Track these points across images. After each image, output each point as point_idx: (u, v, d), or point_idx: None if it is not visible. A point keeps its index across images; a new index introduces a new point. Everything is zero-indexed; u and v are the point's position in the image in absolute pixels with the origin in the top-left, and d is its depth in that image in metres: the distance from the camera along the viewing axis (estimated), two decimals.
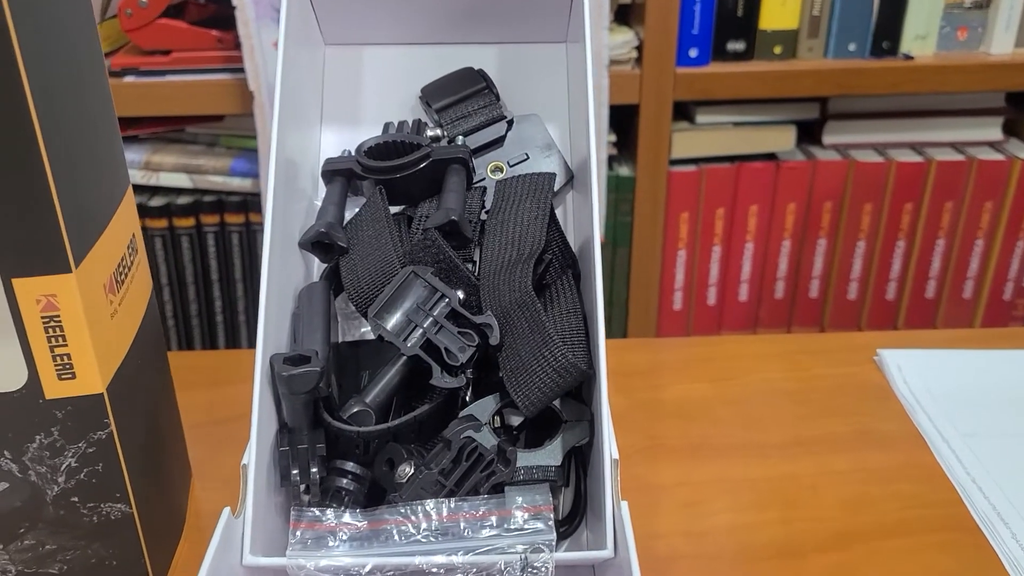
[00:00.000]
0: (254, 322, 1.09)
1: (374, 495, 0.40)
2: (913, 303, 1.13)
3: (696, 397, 0.55)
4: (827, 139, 1.09)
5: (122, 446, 0.37)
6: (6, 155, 0.31)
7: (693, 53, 0.99)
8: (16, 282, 0.33)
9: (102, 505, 0.38)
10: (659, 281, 1.11)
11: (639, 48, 0.98)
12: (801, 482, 0.48)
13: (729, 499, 0.47)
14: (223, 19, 0.97)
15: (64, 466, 0.37)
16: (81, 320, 0.34)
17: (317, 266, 0.47)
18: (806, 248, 1.11)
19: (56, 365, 0.35)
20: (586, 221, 0.45)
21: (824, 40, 1.01)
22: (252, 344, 1.10)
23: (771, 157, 1.08)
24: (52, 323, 0.34)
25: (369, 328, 0.46)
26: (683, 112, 1.06)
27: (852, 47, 1.01)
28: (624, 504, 0.35)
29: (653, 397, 0.55)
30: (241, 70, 0.96)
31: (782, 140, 1.07)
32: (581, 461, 0.42)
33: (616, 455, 0.36)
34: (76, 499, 0.38)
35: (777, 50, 1.01)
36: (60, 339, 0.34)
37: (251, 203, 1.03)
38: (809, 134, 1.10)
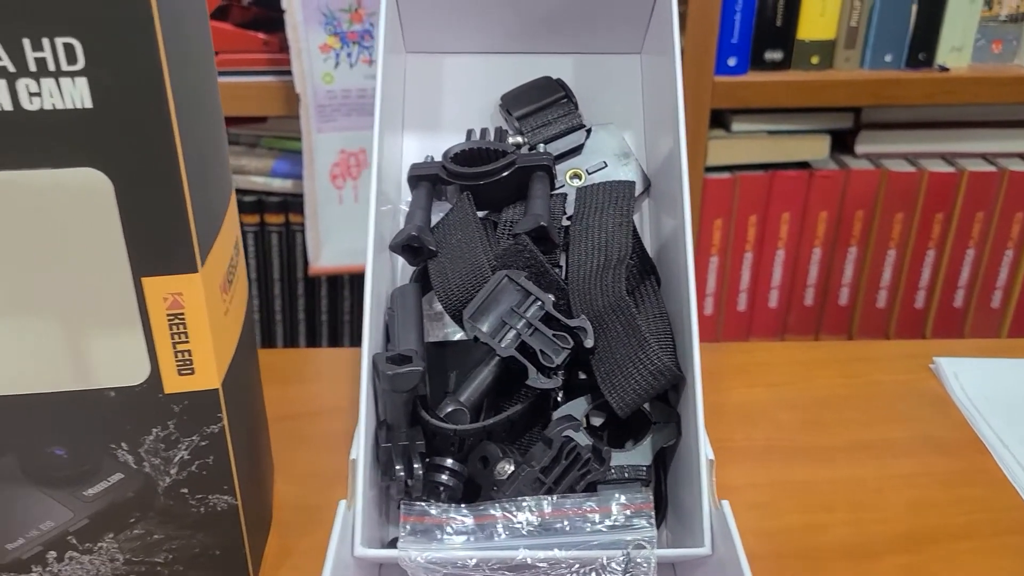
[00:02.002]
0: (290, 321, 1.11)
1: (467, 491, 0.41)
2: (941, 312, 1.15)
3: (757, 401, 0.57)
4: (860, 148, 1.10)
5: (232, 440, 0.39)
6: (149, 163, 0.32)
7: (732, 62, 1.01)
8: (146, 281, 0.34)
9: (210, 497, 0.39)
10: None
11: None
12: (866, 485, 0.50)
13: (797, 500, 0.48)
14: (268, 21, 0.98)
15: (177, 458, 0.38)
16: (203, 318, 0.36)
17: (400, 267, 0.49)
18: (837, 256, 1.13)
19: (177, 361, 0.36)
20: (669, 226, 0.46)
21: (861, 51, 1.03)
22: (289, 343, 1.11)
23: (804, 165, 1.09)
24: (176, 320, 0.35)
25: (451, 329, 0.47)
26: (719, 120, 1.08)
27: (888, 58, 1.03)
28: (725, 503, 0.36)
29: (716, 401, 0.56)
30: (285, 72, 0.97)
31: (816, 149, 1.08)
32: (660, 462, 0.44)
33: (711, 455, 0.38)
34: (186, 490, 0.39)
35: (814, 60, 1.02)
36: (183, 336, 0.36)
37: (291, 203, 1.04)
38: (842, 143, 1.11)
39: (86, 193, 0.33)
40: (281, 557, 0.45)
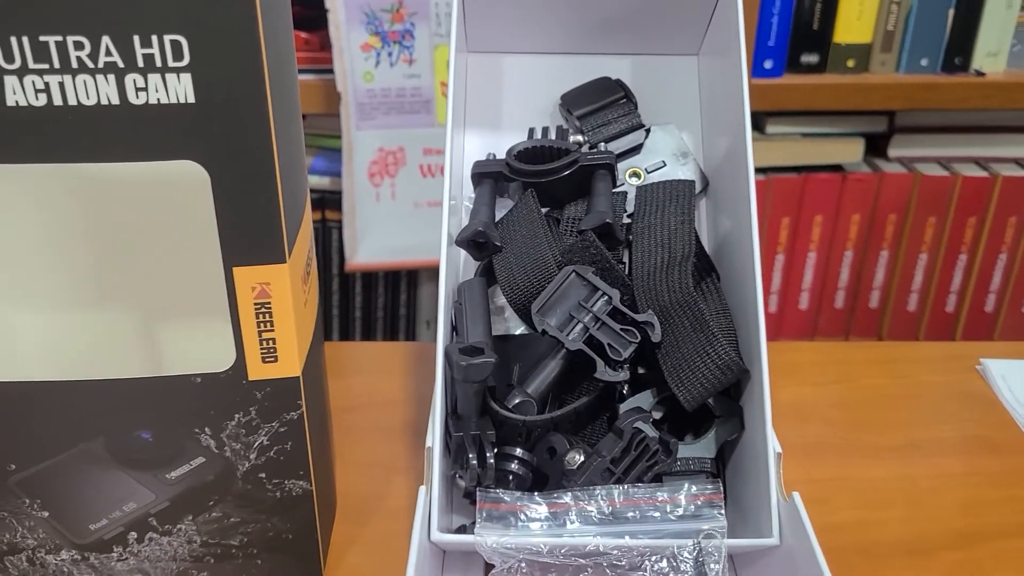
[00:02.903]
0: (324, 316, 1.12)
1: (534, 480, 0.42)
2: (972, 315, 1.15)
3: (806, 399, 0.57)
4: (893, 152, 1.10)
5: (308, 427, 0.40)
6: (246, 156, 0.33)
7: (768, 64, 1.01)
8: (236, 271, 0.36)
9: (286, 482, 0.40)
10: None
11: None
12: (918, 483, 0.50)
13: (851, 497, 0.49)
14: (308, 20, 0.99)
15: (256, 443, 0.39)
16: (289, 307, 0.37)
17: (463, 261, 0.50)
18: (868, 259, 1.13)
19: (261, 349, 0.37)
20: (727, 225, 0.47)
21: (897, 55, 1.03)
22: (328, 337, 1.13)
23: (837, 168, 1.10)
24: (263, 309, 0.37)
25: (512, 323, 0.48)
26: (754, 122, 1.08)
27: (924, 62, 1.03)
28: (796, 495, 0.37)
29: None
30: (325, 71, 0.98)
31: (850, 152, 1.09)
32: (718, 455, 0.45)
33: (779, 448, 0.38)
34: (263, 475, 0.40)
35: (850, 63, 1.03)
36: (268, 324, 0.37)
37: (328, 200, 1.06)
38: (875, 146, 1.12)
39: (184, 185, 0.34)
40: (346, 543, 0.46)
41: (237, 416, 0.39)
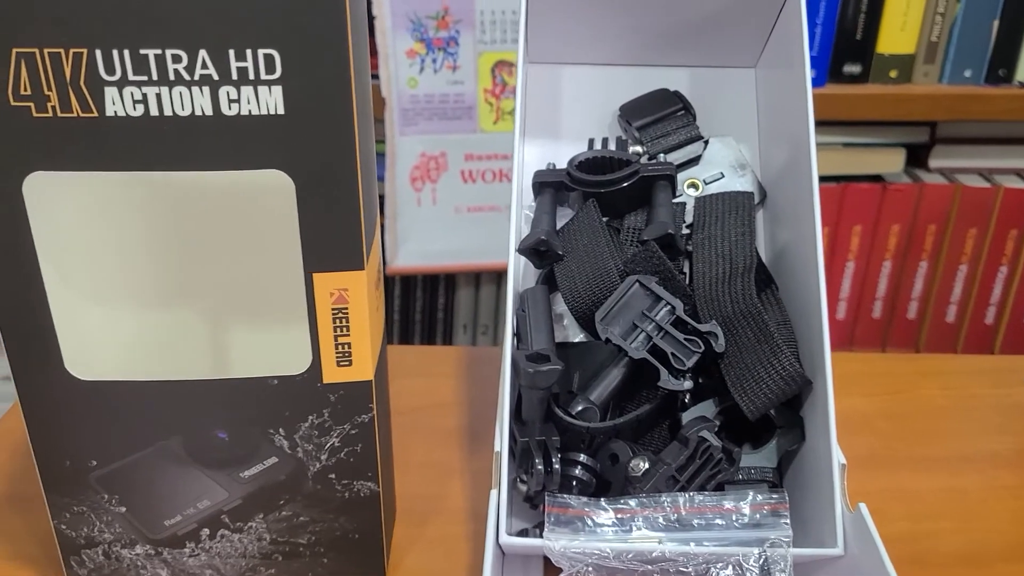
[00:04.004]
0: None
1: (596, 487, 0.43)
2: (1012, 328, 1.14)
3: (855, 410, 0.58)
4: (934, 163, 1.10)
5: (378, 429, 0.41)
6: (331, 165, 0.34)
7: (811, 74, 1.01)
8: (316, 277, 0.37)
9: (354, 483, 0.41)
10: None
11: None
12: (971, 495, 0.50)
13: (904, 508, 0.49)
14: None
15: (328, 445, 0.40)
16: (364, 312, 0.38)
17: (523, 269, 0.50)
18: (907, 270, 1.13)
19: (337, 353, 0.38)
20: (785, 236, 0.47)
21: (940, 65, 1.03)
22: None
23: (877, 178, 1.09)
24: (340, 314, 0.38)
25: (571, 331, 0.49)
26: None
27: (967, 73, 1.03)
28: (863, 506, 0.37)
29: None
30: (371, 76, 1.00)
31: (891, 163, 1.09)
32: (776, 466, 0.45)
33: (843, 459, 0.39)
34: (333, 476, 0.41)
35: (893, 74, 1.03)
36: (344, 329, 0.38)
37: None
38: (915, 157, 1.11)
39: (269, 194, 0.35)
40: (407, 544, 0.47)
41: (311, 418, 0.40)
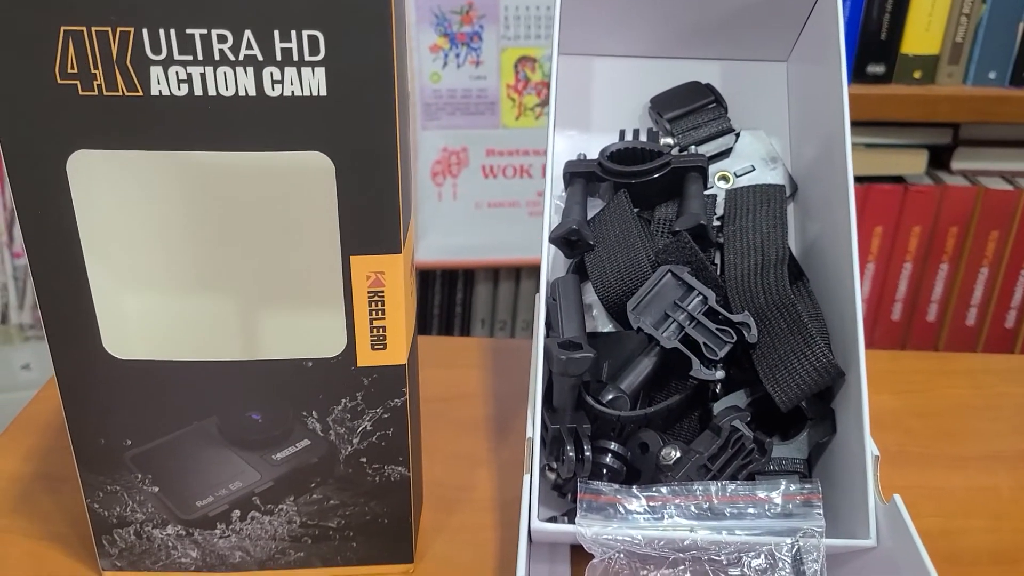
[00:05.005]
0: None
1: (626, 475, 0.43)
2: None
3: (885, 408, 0.57)
4: (956, 165, 1.09)
5: (410, 414, 0.41)
6: (371, 148, 0.35)
7: None
8: (354, 259, 0.37)
9: (386, 467, 0.42)
10: None
11: None
12: (1001, 494, 0.50)
13: (934, 505, 0.49)
14: None
15: (360, 428, 0.40)
16: (400, 296, 0.38)
17: (552, 258, 0.50)
18: (927, 272, 1.12)
19: (372, 336, 0.38)
20: (815, 230, 0.47)
21: (964, 67, 1.02)
22: None
23: (899, 179, 1.09)
24: (376, 298, 0.38)
25: (600, 321, 0.49)
26: None
27: (992, 75, 1.02)
28: (897, 497, 0.37)
29: None
30: None
31: (913, 164, 1.08)
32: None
33: (876, 451, 0.39)
34: (364, 459, 0.41)
35: (916, 75, 1.02)
36: (380, 313, 0.38)
37: None
38: (937, 159, 1.11)
39: (308, 175, 0.35)
40: (434, 531, 0.47)
41: (344, 401, 0.40)
